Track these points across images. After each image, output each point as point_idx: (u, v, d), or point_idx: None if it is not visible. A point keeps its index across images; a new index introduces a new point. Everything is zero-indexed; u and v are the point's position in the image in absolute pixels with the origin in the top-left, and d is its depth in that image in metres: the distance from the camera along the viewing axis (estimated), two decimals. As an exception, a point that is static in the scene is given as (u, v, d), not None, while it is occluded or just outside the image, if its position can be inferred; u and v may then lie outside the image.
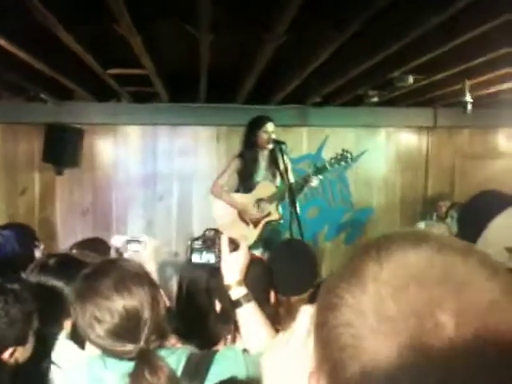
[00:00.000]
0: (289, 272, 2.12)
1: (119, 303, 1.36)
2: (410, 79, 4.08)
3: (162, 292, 1.49)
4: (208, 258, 1.69)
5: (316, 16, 2.88)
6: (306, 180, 4.16)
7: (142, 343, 1.37)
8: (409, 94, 4.96)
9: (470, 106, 4.31)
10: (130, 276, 1.41)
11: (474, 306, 0.45)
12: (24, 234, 2.81)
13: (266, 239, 4.36)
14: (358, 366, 0.47)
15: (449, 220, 4.81)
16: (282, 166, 4.18)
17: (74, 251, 2.91)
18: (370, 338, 0.47)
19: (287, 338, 0.67)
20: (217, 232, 1.75)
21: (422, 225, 5.43)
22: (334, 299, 0.52)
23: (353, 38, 3.01)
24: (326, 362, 0.52)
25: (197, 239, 1.73)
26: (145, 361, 1.34)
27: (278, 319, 1.86)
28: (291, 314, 2.04)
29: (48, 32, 2.85)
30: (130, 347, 1.36)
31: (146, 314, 1.38)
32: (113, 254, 2.93)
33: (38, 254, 2.77)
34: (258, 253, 4.20)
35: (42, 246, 2.83)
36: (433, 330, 0.44)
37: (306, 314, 0.66)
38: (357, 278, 0.51)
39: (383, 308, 0.47)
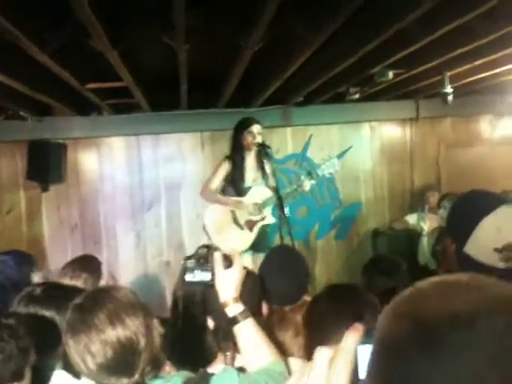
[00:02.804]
0: (280, 282, 2.11)
1: (113, 337, 1.33)
2: (390, 74, 4.09)
3: (155, 321, 1.46)
4: (202, 276, 1.66)
5: (293, 18, 2.87)
6: (299, 185, 4.25)
7: (136, 377, 1.34)
8: (390, 88, 4.98)
9: (450, 97, 4.34)
10: (124, 307, 1.38)
11: None
12: (22, 261, 2.79)
13: (255, 242, 4.35)
14: None
15: (441, 211, 4.83)
16: (268, 169, 4.20)
17: (64, 271, 2.90)
18: None
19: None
20: (209, 249, 1.72)
21: (412, 217, 5.46)
22: None
23: (331, 37, 3.00)
24: None
25: (190, 257, 1.70)
26: None
27: (270, 330, 1.85)
28: (284, 322, 2.03)
29: (22, 50, 2.80)
30: (124, 381, 1.34)
31: (141, 346, 1.35)
32: (105, 273, 2.92)
33: (35, 278, 2.74)
34: (248, 256, 4.21)
35: (40, 273, 2.80)
36: None
37: (323, 357, 0.62)
38: None
39: None
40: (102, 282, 2.89)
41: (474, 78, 4.60)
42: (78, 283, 2.74)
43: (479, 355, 0.48)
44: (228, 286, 1.61)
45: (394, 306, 0.59)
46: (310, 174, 4.27)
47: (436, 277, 0.60)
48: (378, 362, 0.57)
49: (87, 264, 2.98)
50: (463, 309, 0.52)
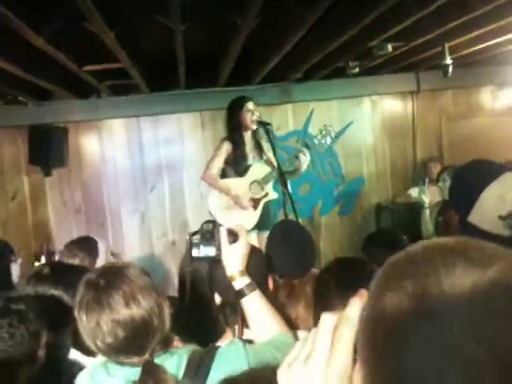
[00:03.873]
0: (287, 256, 2.13)
1: (128, 317, 1.35)
2: (389, 47, 4.06)
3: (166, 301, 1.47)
4: (208, 251, 1.68)
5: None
6: (296, 156, 4.22)
7: (147, 355, 1.36)
8: (390, 61, 4.94)
9: (450, 69, 4.31)
10: (138, 287, 1.39)
11: None
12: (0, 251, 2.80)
13: (260, 220, 4.36)
14: None
15: (441, 183, 4.83)
16: (269, 147, 4.18)
17: (62, 252, 2.91)
18: None
19: (307, 352, 0.63)
20: (215, 224, 1.73)
21: (414, 190, 5.46)
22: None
23: (328, 12, 2.98)
24: None
25: (195, 233, 1.72)
26: (149, 373, 1.33)
27: (280, 305, 1.87)
28: (294, 295, 2.05)
29: (18, 35, 2.79)
30: (135, 359, 1.36)
31: (154, 326, 1.37)
32: (102, 251, 2.93)
33: (15, 267, 2.76)
34: (253, 235, 4.22)
35: (19, 260, 2.82)
36: None
37: (328, 323, 0.62)
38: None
39: None
40: (100, 262, 2.87)
41: (474, 48, 4.56)
42: (75, 263, 2.75)
43: (464, 331, 0.48)
44: (234, 260, 1.63)
45: (385, 274, 0.58)
46: (307, 146, 4.26)
47: (426, 241, 0.59)
48: (368, 331, 0.57)
49: (84, 244, 2.98)
50: (453, 281, 0.51)
